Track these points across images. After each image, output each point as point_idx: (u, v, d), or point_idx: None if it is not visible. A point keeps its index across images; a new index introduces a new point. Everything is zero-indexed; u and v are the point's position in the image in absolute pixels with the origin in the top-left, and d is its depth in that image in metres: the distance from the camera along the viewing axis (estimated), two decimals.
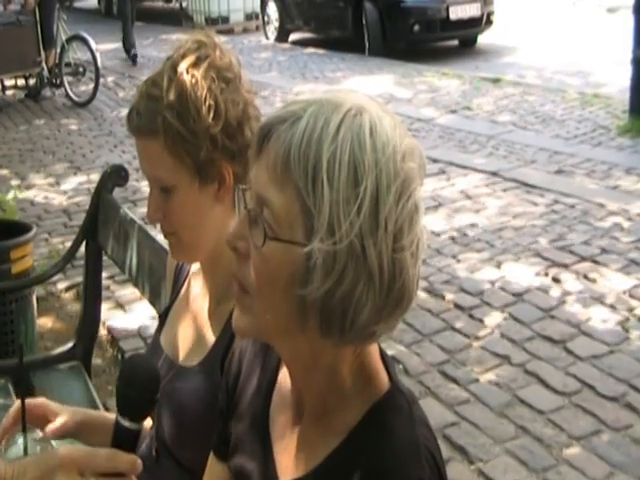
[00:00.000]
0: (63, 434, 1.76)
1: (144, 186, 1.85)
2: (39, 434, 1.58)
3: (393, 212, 1.12)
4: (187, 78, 1.69)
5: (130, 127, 1.75)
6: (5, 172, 8.59)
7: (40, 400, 1.79)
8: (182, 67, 1.70)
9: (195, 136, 1.69)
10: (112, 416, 1.92)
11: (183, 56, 1.72)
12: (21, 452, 1.51)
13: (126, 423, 1.31)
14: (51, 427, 1.71)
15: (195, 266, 1.94)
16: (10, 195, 5.88)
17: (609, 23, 15.22)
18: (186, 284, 1.97)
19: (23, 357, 1.58)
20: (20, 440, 1.52)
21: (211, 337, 1.77)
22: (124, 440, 1.31)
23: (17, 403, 1.69)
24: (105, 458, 1.26)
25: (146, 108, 1.69)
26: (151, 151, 1.71)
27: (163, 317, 1.99)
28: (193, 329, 1.85)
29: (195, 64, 1.70)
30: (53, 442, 1.62)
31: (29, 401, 1.66)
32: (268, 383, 1.41)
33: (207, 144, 1.70)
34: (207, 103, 1.69)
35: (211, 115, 1.69)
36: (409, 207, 1.14)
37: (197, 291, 1.90)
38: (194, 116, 1.68)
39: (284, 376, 1.36)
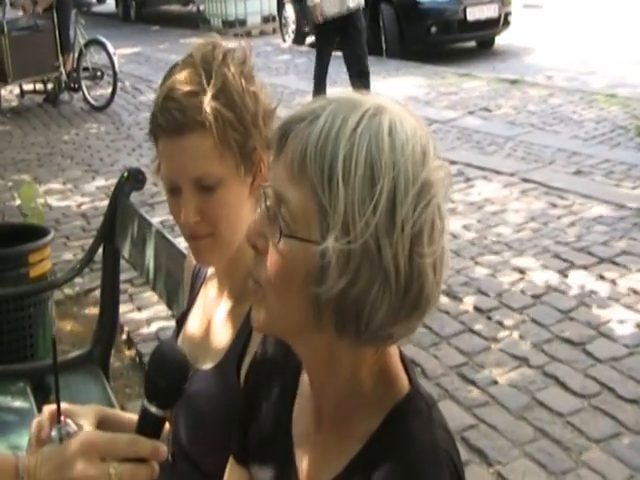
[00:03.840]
0: None
1: (162, 189, 1.86)
2: (73, 427, 1.58)
3: (410, 214, 1.11)
4: (224, 70, 1.69)
5: (169, 126, 1.68)
6: (24, 176, 8.62)
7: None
8: (214, 63, 1.70)
9: (243, 124, 1.69)
10: (130, 415, 1.95)
11: (209, 54, 1.72)
12: (56, 444, 1.51)
13: (152, 409, 1.31)
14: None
15: (211, 269, 1.94)
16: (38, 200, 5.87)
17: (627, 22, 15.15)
18: (202, 288, 1.96)
19: (56, 351, 1.58)
20: (54, 432, 1.52)
21: (227, 340, 1.77)
22: (149, 426, 1.32)
23: (44, 409, 1.70)
24: (126, 443, 1.26)
25: (188, 104, 1.66)
26: (198, 146, 1.68)
27: (180, 322, 1.99)
28: (209, 332, 1.84)
29: (224, 59, 1.71)
30: None
31: (48, 407, 1.67)
32: (289, 389, 1.40)
33: (253, 131, 1.70)
34: (247, 91, 1.70)
35: (253, 102, 1.71)
36: (429, 212, 1.13)
37: (213, 294, 1.89)
38: (239, 104, 1.68)
39: (305, 382, 1.35)
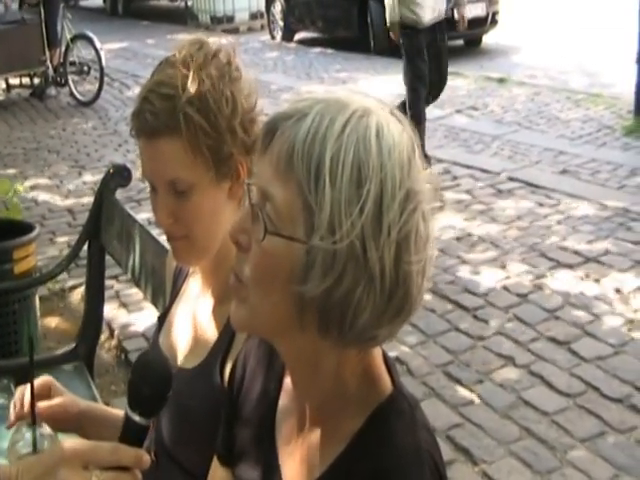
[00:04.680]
0: (61, 420, 1.79)
1: (148, 185, 1.86)
2: (47, 429, 1.59)
3: (397, 219, 1.11)
4: (202, 74, 1.68)
5: (143, 129, 1.69)
6: (10, 171, 8.59)
7: (48, 378, 1.83)
8: (193, 65, 1.69)
9: (217, 130, 1.68)
10: (114, 410, 1.96)
11: (190, 55, 1.71)
12: (29, 446, 1.51)
13: (136, 417, 1.31)
14: (45, 405, 1.77)
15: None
16: (11, 193, 5.84)
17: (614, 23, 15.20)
18: (185, 285, 1.96)
19: (33, 351, 1.59)
20: (28, 434, 1.52)
21: (210, 338, 1.76)
22: (132, 434, 1.31)
23: (18, 390, 1.72)
24: (109, 452, 1.26)
25: (162, 107, 1.66)
26: (169, 151, 1.68)
27: (162, 319, 1.99)
28: (192, 330, 1.84)
29: (205, 61, 1.70)
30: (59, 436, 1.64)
31: (21, 390, 1.69)
32: (273, 389, 1.40)
33: (228, 138, 1.69)
34: (224, 97, 1.68)
35: (230, 108, 1.69)
36: (415, 218, 1.13)
37: (196, 292, 1.89)
38: (214, 110, 1.67)
39: (288, 383, 1.35)
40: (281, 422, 1.36)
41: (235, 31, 18.51)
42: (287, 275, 1.14)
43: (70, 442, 1.30)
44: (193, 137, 1.66)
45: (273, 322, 1.20)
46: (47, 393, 1.84)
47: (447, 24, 13.49)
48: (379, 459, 1.18)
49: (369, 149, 1.11)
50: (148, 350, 1.76)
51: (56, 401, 1.83)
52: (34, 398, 1.59)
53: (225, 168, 1.71)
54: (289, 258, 1.14)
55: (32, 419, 1.56)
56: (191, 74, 1.68)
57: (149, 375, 1.33)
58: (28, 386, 1.69)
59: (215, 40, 1.78)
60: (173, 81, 1.67)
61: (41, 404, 1.77)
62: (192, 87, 1.66)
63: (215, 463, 1.52)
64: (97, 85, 11.42)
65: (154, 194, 1.75)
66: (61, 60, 11.68)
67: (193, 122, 1.66)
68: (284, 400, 1.37)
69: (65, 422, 1.83)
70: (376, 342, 1.21)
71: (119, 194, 3.39)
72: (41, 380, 1.83)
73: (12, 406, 1.79)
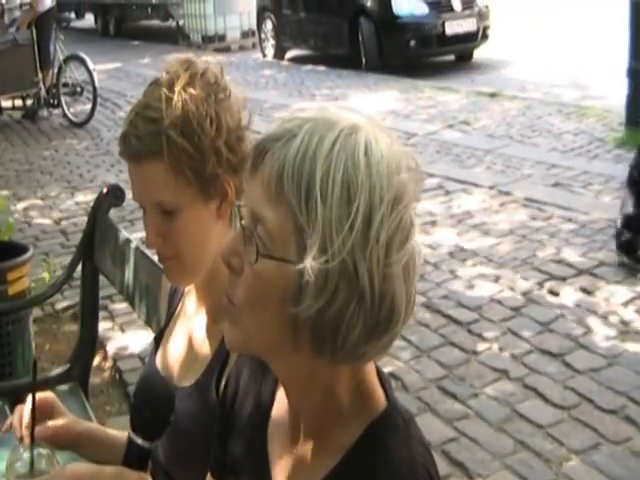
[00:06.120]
0: (61, 440, 1.79)
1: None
2: (45, 448, 1.60)
3: (384, 226, 1.11)
4: (186, 96, 1.69)
5: (128, 153, 1.71)
6: (2, 193, 8.58)
7: (50, 395, 1.83)
8: (178, 86, 1.70)
9: (201, 152, 1.69)
10: (112, 432, 1.97)
11: (176, 76, 1.72)
12: (27, 466, 1.52)
13: (138, 441, 1.32)
14: (50, 427, 1.77)
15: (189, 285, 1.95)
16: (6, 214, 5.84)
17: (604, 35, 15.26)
18: (180, 304, 1.97)
19: (36, 374, 1.60)
20: (26, 454, 1.53)
21: (206, 357, 1.77)
22: (135, 457, 1.32)
23: (16, 410, 1.73)
24: (113, 475, 1.27)
25: (146, 131, 1.67)
26: (153, 174, 1.69)
27: (158, 338, 2.00)
28: (188, 349, 1.85)
29: (190, 81, 1.71)
30: (58, 456, 1.65)
31: (20, 410, 1.69)
32: (265, 403, 1.40)
33: (212, 158, 1.70)
34: (209, 117, 1.69)
35: (214, 129, 1.70)
36: (402, 221, 1.13)
37: (191, 310, 1.90)
38: (198, 132, 1.68)
39: (281, 396, 1.35)
40: (274, 435, 1.37)
41: (227, 50, 18.55)
42: (280, 296, 1.15)
43: (73, 466, 1.31)
44: (176, 160, 1.68)
45: (267, 343, 1.21)
46: (49, 410, 1.85)
47: (437, 40, 13.77)
48: (373, 473, 1.19)
49: (358, 166, 1.12)
50: (149, 374, 1.77)
51: (61, 422, 1.84)
52: (34, 419, 1.60)
53: (211, 188, 1.72)
54: (282, 280, 1.14)
55: (31, 439, 1.57)
56: (175, 96, 1.69)
57: (151, 399, 1.34)
58: (28, 405, 1.70)
59: (204, 59, 1.79)
60: (158, 104, 1.69)
61: (46, 426, 1.78)
62: (175, 110, 1.67)
63: (209, 478, 1.53)
64: (90, 106, 11.40)
65: (145, 215, 1.76)
66: (54, 81, 11.67)
67: (176, 145, 1.67)
68: (277, 413, 1.38)
69: (64, 441, 1.84)
70: (366, 359, 1.21)
71: (112, 214, 3.40)
72: (43, 397, 1.84)
73: (15, 422, 1.80)
